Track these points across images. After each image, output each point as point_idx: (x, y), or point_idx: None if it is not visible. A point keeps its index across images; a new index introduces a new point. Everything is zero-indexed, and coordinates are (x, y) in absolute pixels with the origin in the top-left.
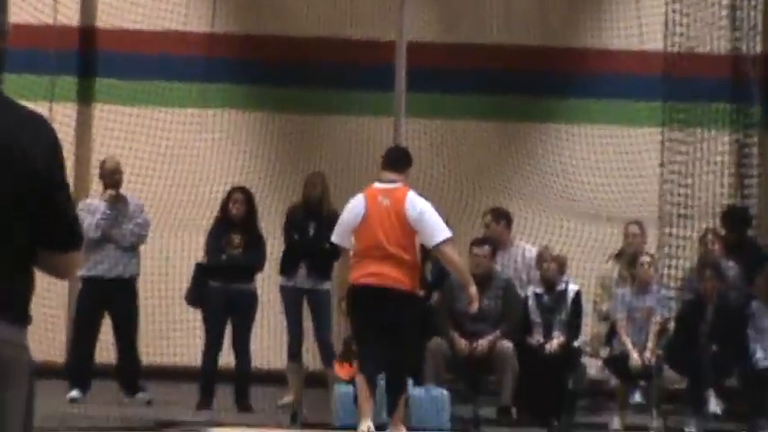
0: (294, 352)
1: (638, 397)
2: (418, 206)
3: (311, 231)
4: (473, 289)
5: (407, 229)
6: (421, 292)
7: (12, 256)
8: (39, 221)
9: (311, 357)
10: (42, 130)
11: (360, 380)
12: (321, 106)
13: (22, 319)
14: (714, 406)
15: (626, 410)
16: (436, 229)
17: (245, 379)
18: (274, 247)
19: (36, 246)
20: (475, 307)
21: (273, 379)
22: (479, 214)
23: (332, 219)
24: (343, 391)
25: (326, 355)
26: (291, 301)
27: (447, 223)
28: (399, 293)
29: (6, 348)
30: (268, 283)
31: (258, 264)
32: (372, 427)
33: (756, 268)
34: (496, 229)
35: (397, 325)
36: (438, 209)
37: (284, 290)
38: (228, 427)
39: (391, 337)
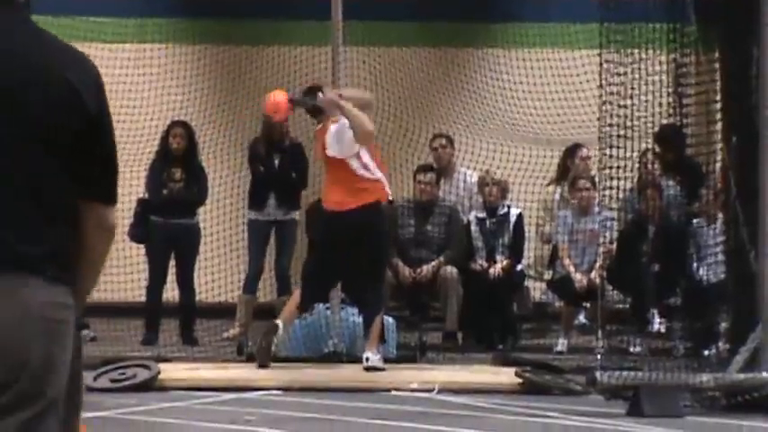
0: (252, 285)
1: (582, 318)
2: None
3: (276, 163)
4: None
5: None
6: None
7: (53, 207)
8: (82, 167)
9: (262, 288)
10: (88, 67)
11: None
12: (259, 37)
13: (65, 277)
14: (658, 325)
15: (571, 332)
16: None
17: (189, 313)
18: (215, 180)
19: (78, 196)
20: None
21: (216, 313)
22: (420, 142)
23: (295, 149)
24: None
25: (282, 285)
26: (259, 233)
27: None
28: None
29: (49, 309)
30: (210, 216)
31: (200, 198)
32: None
33: (695, 187)
34: (445, 154)
35: None
36: (378, 137)
37: (254, 223)
38: (174, 362)
39: None
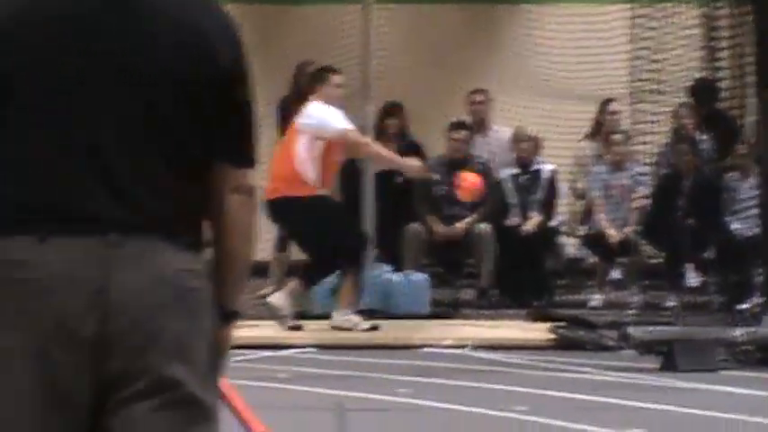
0: (281, 242)
1: (616, 274)
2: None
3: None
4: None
5: None
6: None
7: (187, 168)
8: (215, 124)
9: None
10: (222, 16)
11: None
12: None
13: (198, 243)
14: (692, 279)
15: (605, 287)
16: None
17: None
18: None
19: (213, 156)
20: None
21: (253, 271)
22: (452, 99)
23: None
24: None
25: None
26: None
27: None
28: None
29: (183, 276)
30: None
31: None
32: None
33: (729, 140)
34: (483, 109)
35: None
36: (410, 95)
37: None
38: None
39: None
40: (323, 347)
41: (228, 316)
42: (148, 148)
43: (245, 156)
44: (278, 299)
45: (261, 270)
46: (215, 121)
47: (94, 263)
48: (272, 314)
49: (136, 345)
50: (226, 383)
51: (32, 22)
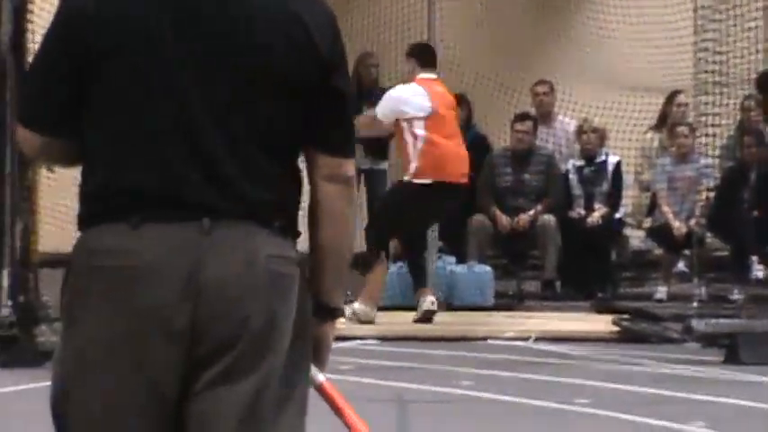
0: None
1: (682, 266)
2: None
3: (365, 112)
4: None
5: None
6: None
7: (281, 155)
8: (313, 114)
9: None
10: (322, 6)
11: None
12: None
13: (292, 230)
14: (758, 272)
15: (670, 280)
16: None
17: None
18: None
19: (310, 146)
20: None
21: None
22: (517, 90)
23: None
24: (391, 271)
25: None
26: None
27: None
28: None
29: (275, 262)
30: None
31: None
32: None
33: None
34: (547, 100)
35: None
36: (475, 86)
37: None
38: None
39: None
40: (386, 339)
41: (326, 312)
42: (243, 134)
43: (341, 145)
44: (348, 312)
45: None
46: (312, 109)
47: (187, 250)
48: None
49: (225, 333)
50: (326, 380)
51: (130, 4)
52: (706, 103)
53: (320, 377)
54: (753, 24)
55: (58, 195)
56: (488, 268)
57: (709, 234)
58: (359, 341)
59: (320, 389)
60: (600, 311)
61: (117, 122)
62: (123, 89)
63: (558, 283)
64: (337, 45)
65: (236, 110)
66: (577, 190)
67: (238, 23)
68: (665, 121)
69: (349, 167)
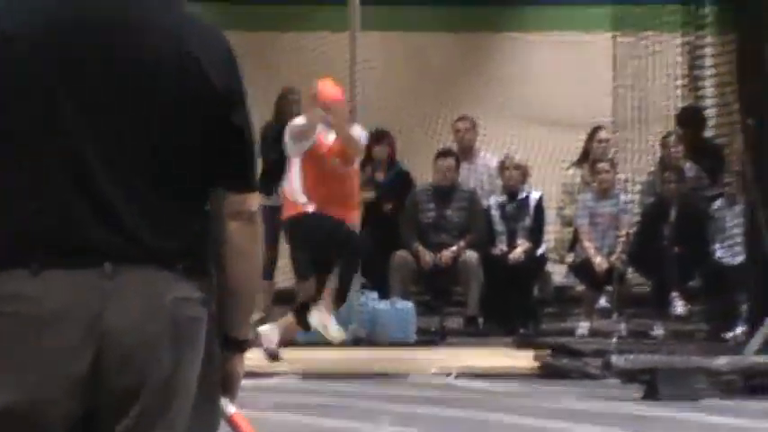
0: (268, 270)
1: (604, 302)
2: None
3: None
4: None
5: None
6: None
7: (182, 196)
8: (213, 151)
9: (279, 275)
10: (216, 40)
11: None
12: (277, 22)
13: (199, 271)
14: (679, 308)
15: (592, 316)
16: None
17: None
18: None
19: (208, 184)
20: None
21: None
22: (439, 127)
23: None
24: None
25: None
26: (269, 220)
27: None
28: None
29: (181, 305)
30: None
31: None
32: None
33: (715, 169)
34: (469, 136)
35: None
36: (397, 123)
37: (264, 210)
38: None
39: None
40: (307, 375)
41: (235, 345)
42: (142, 176)
43: (244, 181)
44: (269, 329)
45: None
46: (212, 146)
47: (89, 296)
48: (259, 342)
49: (126, 381)
50: (237, 413)
51: (23, 43)
52: (626, 140)
53: (231, 408)
54: (671, 60)
55: None
56: (411, 304)
57: (630, 270)
58: (279, 378)
59: (230, 421)
60: (522, 347)
61: (12, 167)
62: (15, 133)
63: (480, 320)
64: (234, 80)
65: (132, 151)
66: (500, 226)
67: (133, 66)
68: (587, 157)
69: (252, 203)
